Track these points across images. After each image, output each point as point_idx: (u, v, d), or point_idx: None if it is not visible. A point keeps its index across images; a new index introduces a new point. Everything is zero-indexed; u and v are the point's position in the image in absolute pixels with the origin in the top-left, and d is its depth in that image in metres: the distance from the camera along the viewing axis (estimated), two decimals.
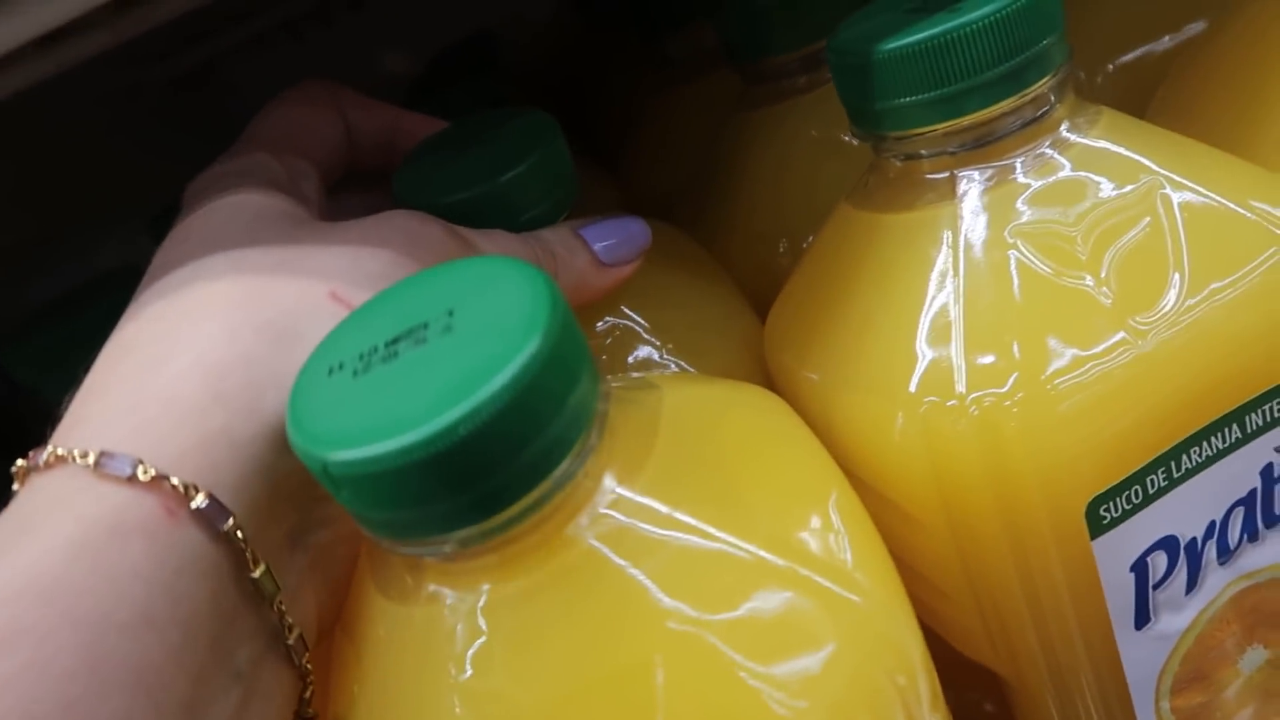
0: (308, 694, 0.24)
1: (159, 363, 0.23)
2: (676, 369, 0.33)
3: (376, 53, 0.67)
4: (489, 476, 0.20)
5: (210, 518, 0.21)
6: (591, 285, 0.30)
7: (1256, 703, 0.31)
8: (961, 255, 0.27)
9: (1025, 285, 0.27)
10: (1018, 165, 0.28)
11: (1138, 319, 0.26)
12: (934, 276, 0.28)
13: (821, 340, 0.31)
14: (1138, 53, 0.41)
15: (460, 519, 0.20)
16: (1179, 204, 0.27)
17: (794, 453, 0.27)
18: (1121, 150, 0.28)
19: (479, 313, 0.21)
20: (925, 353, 0.27)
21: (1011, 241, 0.27)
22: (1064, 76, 0.28)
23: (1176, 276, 0.26)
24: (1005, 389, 0.26)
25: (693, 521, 0.22)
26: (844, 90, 0.29)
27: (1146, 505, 0.27)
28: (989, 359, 0.26)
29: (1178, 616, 0.29)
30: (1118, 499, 0.27)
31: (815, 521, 0.25)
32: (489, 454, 0.19)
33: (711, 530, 0.23)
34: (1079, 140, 0.28)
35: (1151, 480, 0.27)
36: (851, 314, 0.30)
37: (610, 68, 0.62)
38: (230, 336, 0.23)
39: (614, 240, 0.30)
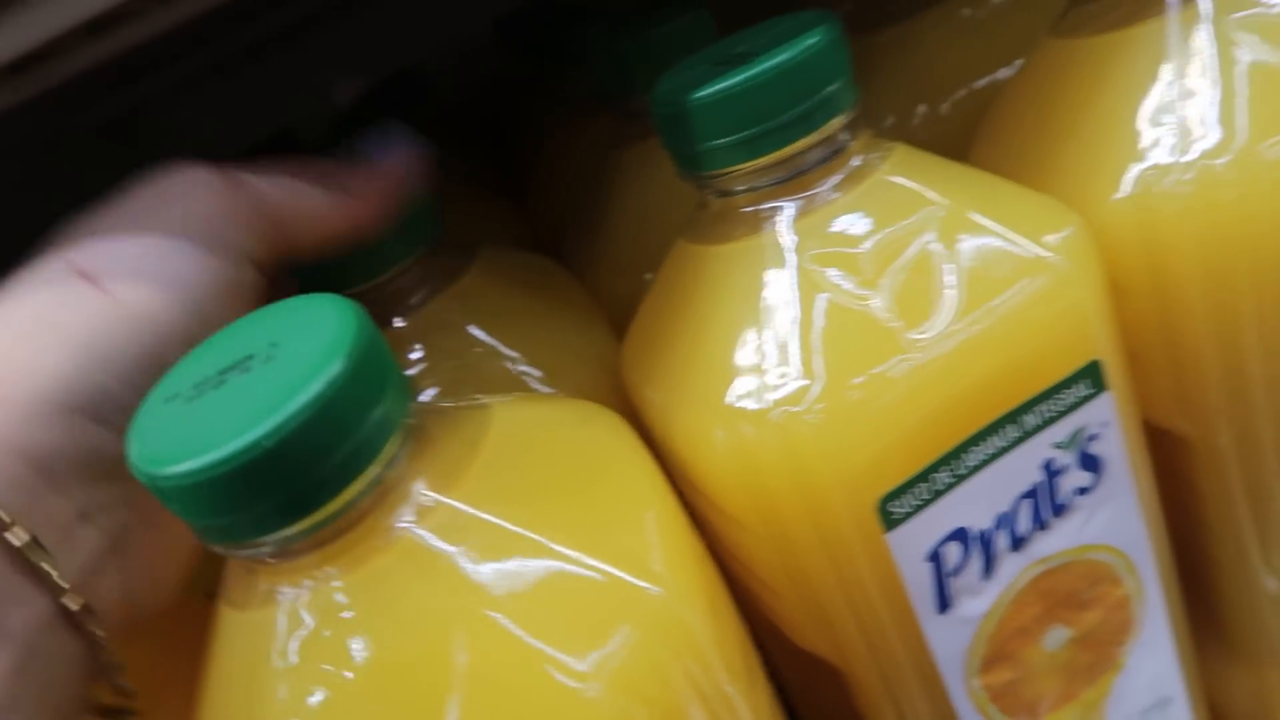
0: (112, 668, 0.26)
1: None
2: (537, 389, 0.36)
3: (312, 88, 0.67)
4: (296, 482, 0.22)
5: None
6: (367, 202, 0.32)
7: (1062, 678, 0.34)
8: (767, 280, 0.30)
9: (817, 306, 0.30)
10: (817, 198, 0.31)
11: (915, 335, 0.29)
12: (746, 300, 0.31)
13: (661, 363, 0.34)
14: (964, 91, 0.45)
15: (276, 521, 0.23)
16: (955, 233, 0.30)
17: (619, 465, 0.30)
18: (909, 184, 0.31)
19: (297, 343, 0.24)
20: (737, 370, 0.30)
21: (810, 268, 0.30)
22: (854, 117, 0.31)
23: (950, 296, 0.29)
24: (802, 402, 0.29)
25: (502, 523, 0.25)
26: (666, 136, 0.32)
27: (935, 500, 0.30)
28: (787, 373, 0.29)
29: (977, 600, 0.32)
30: (906, 496, 0.30)
31: (627, 524, 0.28)
32: (295, 462, 0.22)
33: (519, 530, 0.26)
34: (872, 175, 0.31)
35: (937, 478, 0.30)
36: (684, 338, 0.33)
37: (524, 103, 0.65)
38: None
39: (384, 151, 0.34)
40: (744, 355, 0.30)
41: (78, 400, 0.25)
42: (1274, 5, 0.32)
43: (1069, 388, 0.30)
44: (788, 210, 0.31)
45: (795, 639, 0.34)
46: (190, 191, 0.29)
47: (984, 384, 0.30)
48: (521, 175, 0.60)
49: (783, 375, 0.29)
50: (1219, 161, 0.31)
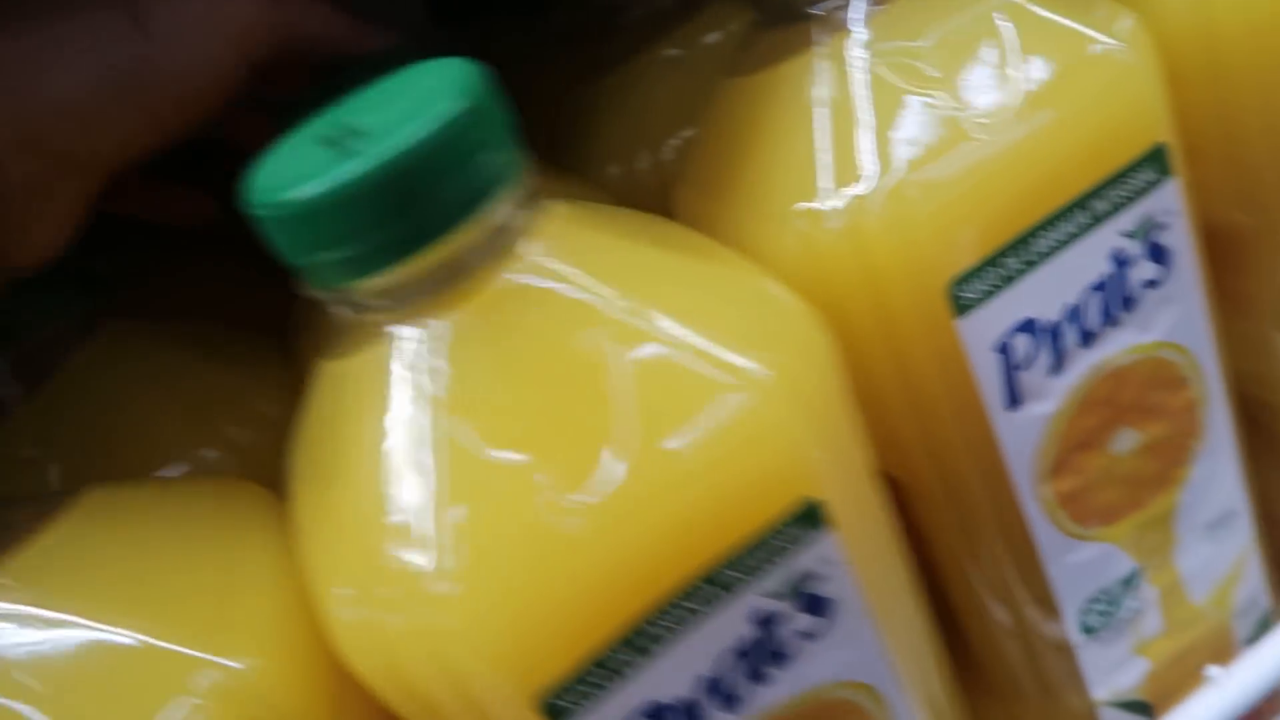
0: None
1: None
2: None
3: None
4: (417, 210, 0.22)
5: None
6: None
7: (1131, 486, 0.33)
8: (823, 79, 0.30)
9: (878, 101, 0.29)
10: None
11: (979, 119, 0.29)
12: (800, 101, 0.30)
13: (721, 177, 0.33)
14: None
15: (398, 251, 0.23)
16: (1017, 21, 0.30)
17: None
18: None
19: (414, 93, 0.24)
20: (800, 171, 0.30)
21: (871, 67, 0.30)
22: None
23: (1015, 82, 0.29)
24: (870, 192, 0.28)
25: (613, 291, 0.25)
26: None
27: (1005, 287, 0.30)
28: (851, 168, 0.29)
29: (1046, 398, 0.31)
30: (976, 281, 0.29)
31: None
32: (416, 187, 0.22)
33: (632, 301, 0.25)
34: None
35: (1007, 263, 0.29)
36: (741, 151, 0.32)
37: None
38: None
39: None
40: (805, 155, 0.30)
41: None
42: None
43: (1136, 173, 0.30)
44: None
45: None
46: None
47: (1052, 169, 0.29)
48: None
49: (847, 170, 0.29)
50: None
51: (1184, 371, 0.33)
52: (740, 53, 0.34)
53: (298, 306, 0.41)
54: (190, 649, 0.23)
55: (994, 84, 0.29)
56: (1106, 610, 0.36)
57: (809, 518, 0.25)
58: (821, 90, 0.30)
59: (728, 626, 0.25)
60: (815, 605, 0.27)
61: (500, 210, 0.24)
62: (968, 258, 0.29)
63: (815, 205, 0.29)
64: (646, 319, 0.24)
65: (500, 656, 0.23)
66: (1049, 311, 0.30)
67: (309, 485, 0.26)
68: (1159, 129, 0.30)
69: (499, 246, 0.24)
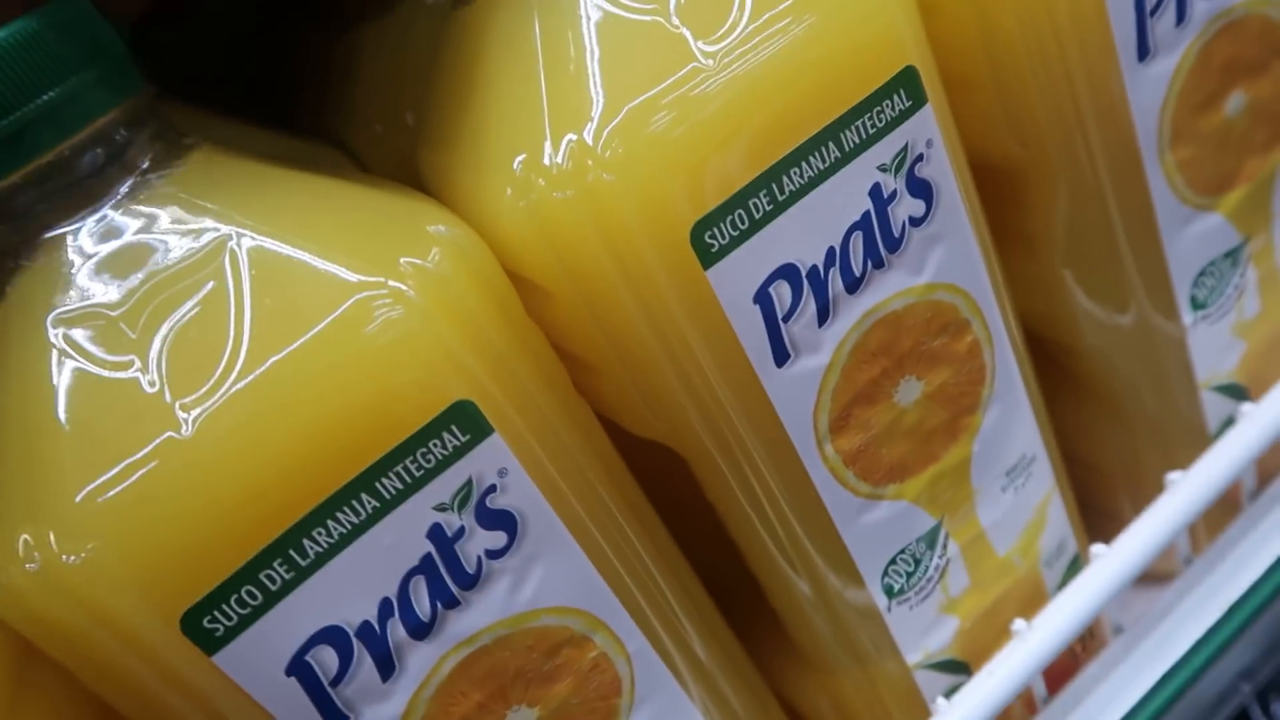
0: None
1: None
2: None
3: None
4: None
5: None
6: None
7: (920, 438, 0.32)
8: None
9: (597, 30, 0.26)
10: None
11: (706, 45, 0.26)
12: (514, 48, 0.28)
13: (447, 132, 0.30)
14: None
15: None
16: None
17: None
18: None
19: None
20: (521, 122, 0.27)
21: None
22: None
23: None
24: (592, 135, 0.26)
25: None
26: None
27: (756, 231, 0.27)
28: (570, 109, 0.26)
29: (817, 351, 0.29)
30: (721, 225, 0.27)
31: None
32: None
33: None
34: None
35: (755, 204, 0.27)
36: (461, 103, 0.29)
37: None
38: None
39: None
40: (522, 96, 0.27)
41: None
42: None
43: (886, 98, 0.28)
44: None
45: (628, 424, 0.31)
46: None
47: (794, 97, 0.27)
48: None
49: (567, 112, 0.26)
50: None
51: (964, 314, 0.31)
52: None
53: None
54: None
55: (727, 6, 0.27)
56: (909, 571, 0.34)
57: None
58: (541, 21, 0.27)
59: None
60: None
61: (101, 126, 0.23)
62: (709, 200, 0.27)
63: (534, 156, 0.26)
64: (270, 241, 0.24)
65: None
66: (809, 255, 0.28)
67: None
68: (908, 51, 0.28)
69: (114, 167, 0.24)
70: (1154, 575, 0.39)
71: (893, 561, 0.33)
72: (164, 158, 0.25)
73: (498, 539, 0.26)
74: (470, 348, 0.25)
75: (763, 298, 0.27)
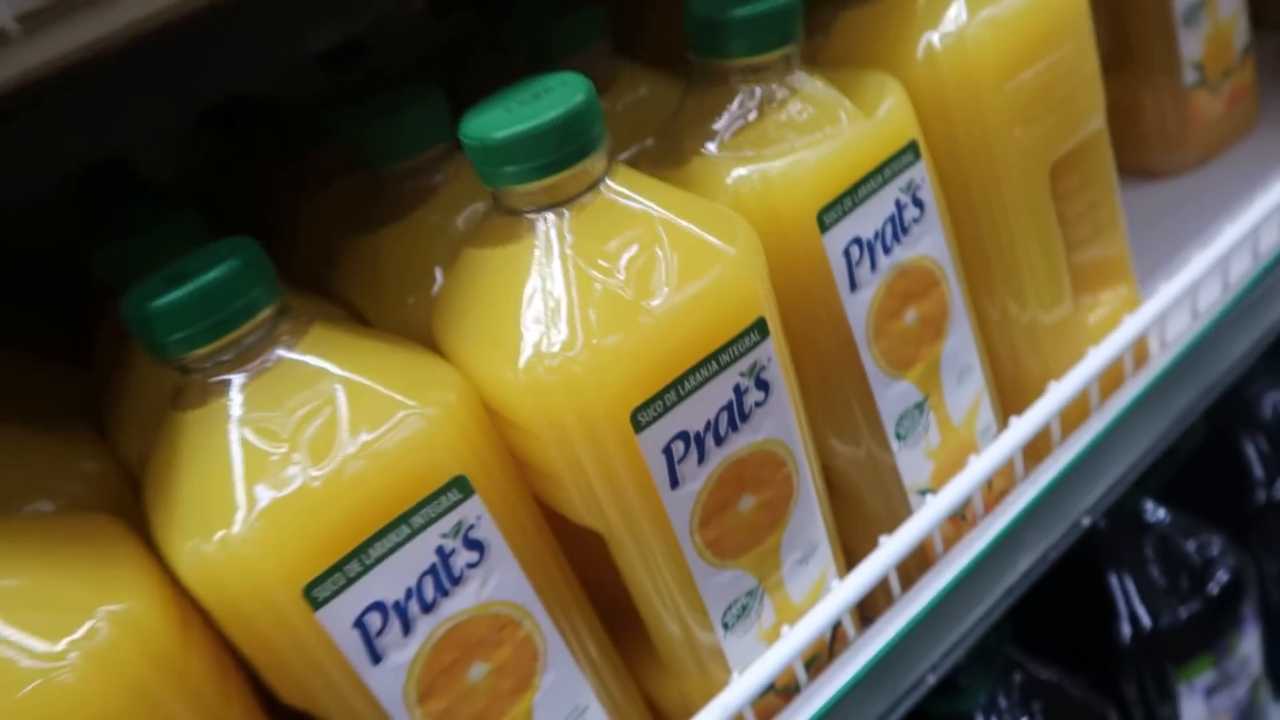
0: None
1: None
2: None
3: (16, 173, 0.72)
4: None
5: None
6: None
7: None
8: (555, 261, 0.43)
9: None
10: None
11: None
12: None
13: (464, 333, 0.45)
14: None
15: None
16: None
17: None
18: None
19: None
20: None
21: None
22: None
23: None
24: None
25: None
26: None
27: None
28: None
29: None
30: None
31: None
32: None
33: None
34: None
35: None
36: (480, 313, 0.45)
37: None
38: None
39: None
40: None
41: None
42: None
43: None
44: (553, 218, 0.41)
45: (574, 517, 0.47)
46: None
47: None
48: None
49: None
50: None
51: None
52: None
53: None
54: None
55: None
56: (740, 614, 0.50)
57: (460, 486, 0.42)
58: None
59: (421, 553, 0.42)
60: (473, 545, 0.44)
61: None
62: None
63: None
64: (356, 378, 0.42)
65: (276, 569, 0.39)
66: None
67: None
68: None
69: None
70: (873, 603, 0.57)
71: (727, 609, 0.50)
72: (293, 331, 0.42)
73: (473, 556, 0.43)
74: (467, 451, 0.43)
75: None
